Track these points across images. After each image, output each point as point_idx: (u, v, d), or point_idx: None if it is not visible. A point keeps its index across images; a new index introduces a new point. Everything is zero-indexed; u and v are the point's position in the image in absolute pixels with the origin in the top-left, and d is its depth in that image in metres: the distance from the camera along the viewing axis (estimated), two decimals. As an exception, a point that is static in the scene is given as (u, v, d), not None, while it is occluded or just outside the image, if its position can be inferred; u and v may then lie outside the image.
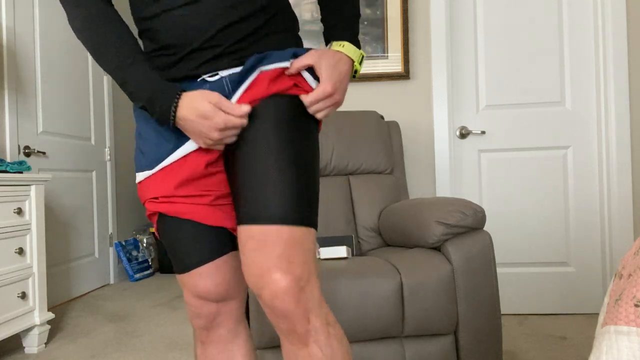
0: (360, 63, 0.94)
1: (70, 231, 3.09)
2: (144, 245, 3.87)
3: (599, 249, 2.43)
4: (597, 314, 2.42)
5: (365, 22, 2.46)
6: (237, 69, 0.87)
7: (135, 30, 3.68)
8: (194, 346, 0.91)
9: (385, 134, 2.19)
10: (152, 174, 0.91)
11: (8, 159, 2.53)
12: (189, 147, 0.89)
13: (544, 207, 2.47)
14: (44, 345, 2.18)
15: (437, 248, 1.60)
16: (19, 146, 2.63)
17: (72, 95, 3.14)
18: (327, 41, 0.98)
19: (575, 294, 2.44)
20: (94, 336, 2.32)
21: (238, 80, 0.87)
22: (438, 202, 1.66)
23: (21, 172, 2.10)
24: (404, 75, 2.46)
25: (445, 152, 2.45)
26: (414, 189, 2.49)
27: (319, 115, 0.90)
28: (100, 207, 3.44)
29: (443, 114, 2.45)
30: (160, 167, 0.90)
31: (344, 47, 0.92)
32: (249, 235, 0.81)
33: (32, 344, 2.13)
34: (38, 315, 2.12)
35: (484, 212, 1.59)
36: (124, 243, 3.65)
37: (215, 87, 0.87)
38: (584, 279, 2.44)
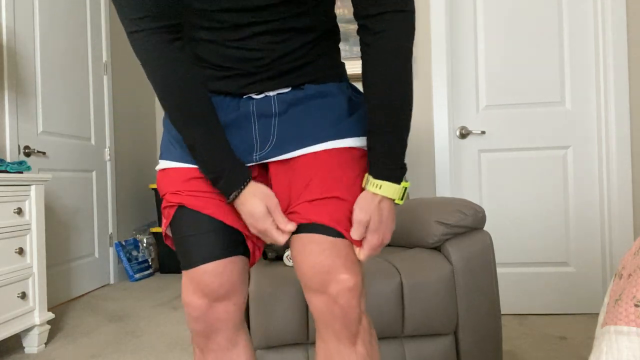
0: (403, 197, 0.86)
1: (70, 231, 3.09)
2: (144, 245, 3.87)
3: (599, 249, 2.43)
4: (597, 314, 2.42)
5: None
6: (285, 90, 0.90)
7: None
8: (193, 353, 0.91)
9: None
10: (180, 167, 0.93)
11: (8, 159, 2.53)
12: None
13: (544, 207, 2.47)
14: (44, 345, 2.18)
15: (437, 248, 1.60)
16: (19, 146, 2.63)
17: (72, 95, 3.14)
18: (367, 163, 0.88)
19: (575, 294, 2.44)
20: (94, 336, 2.32)
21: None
22: (438, 202, 1.67)
23: (21, 172, 2.10)
24: (404, 75, 2.46)
25: (445, 152, 2.45)
26: (414, 189, 2.49)
27: (361, 256, 0.89)
28: (100, 207, 3.44)
29: (443, 114, 2.45)
30: (191, 166, 0.92)
31: (382, 189, 0.83)
32: (311, 240, 0.85)
33: (32, 344, 2.13)
34: (38, 315, 2.12)
35: (484, 212, 1.59)
36: (124, 243, 3.65)
37: (263, 104, 0.90)
38: (584, 279, 2.44)
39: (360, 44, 0.84)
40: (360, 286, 0.86)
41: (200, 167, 0.87)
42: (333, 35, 0.96)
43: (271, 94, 0.90)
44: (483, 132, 2.47)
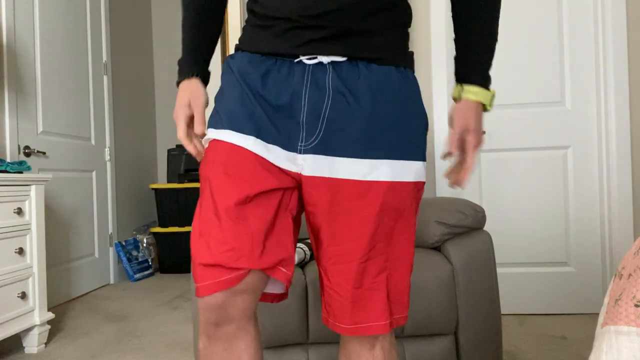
0: (491, 103, 0.92)
1: (70, 231, 3.09)
2: (144, 245, 3.87)
3: (599, 249, 2.43)
4: (597, 314, 2.42)
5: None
6: (340, 59, 0.82)
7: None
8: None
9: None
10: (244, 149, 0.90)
11: (8, 159, 2.53)
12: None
13: (544, 207, 2.46)
14: (44, 345, 2.18)
15: (437, 248, 1.60)
16: (19, 146, 2.63)
17: (72, 95, 3.14)
18: (458, 76, 0.94)
19: (575, 294, 2.44)
20: (94, 336, 2.32)
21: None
22: (438, 202, 1.67)
23: (21, 172, 2.10)
24: (404, 75, 2.46)
25: (445, 152, 2.45)
26: (414, 189, 2.49)
27: (461, 176, 0.91)
28: (100, 207, 3.45)
29: (443, 114, 2.45)
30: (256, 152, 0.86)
31: (479, 96, 0.89)
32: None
33: (32, 344, 2.13)
34: (38, 315, 2.12)
35: (484, 212, 1.59)
36: (124, 243, 3.65)
37: (316, 74, 0.82)
38: (584, 279, 2.44)
39: None
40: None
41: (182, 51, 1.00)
42: (405, 5, 0.88)
43: (324, 59, 0.81)
44: (483, 132, 2.47)
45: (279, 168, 0.84)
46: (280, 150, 0.84)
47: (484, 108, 0.91)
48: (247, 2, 0.93)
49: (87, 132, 3.32)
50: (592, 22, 2.42)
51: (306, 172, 0.83)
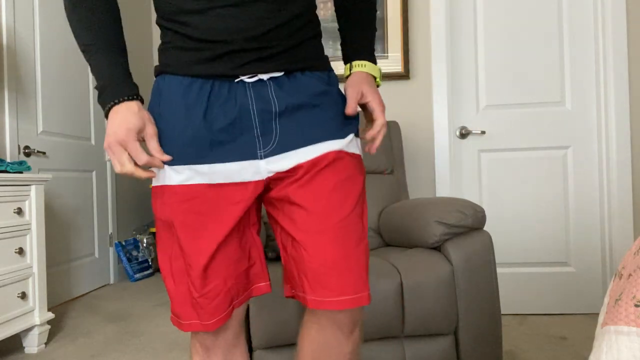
0: (380, 77, 1.01)
1: (70, 231, 3.09)
2: (144, 245, 3.87)
3: (599, 249, 2.43)
4: (597, 314, 2.42)
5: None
6: (278, 74, 0.88)
7: (144, 26, 3.68)
8: (191, 354, 0.90)
9: (385, 134, 2.19)
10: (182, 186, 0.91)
11: (8, 159, 2.53)
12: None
13: (544, 207, 2.46)
14: (44, 345, 2.18)
15: (437, 248, 1.60)
16: (19, 146, 2.63)
17: (72, 95, 3.14)
18: (347, 58, 1.03)
19: (575, 294, 2.44)
20: (94, 336, 2.32)
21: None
22: (438, 202, 1.66)
23: (21, 172, 2.10)
24: (404, 75, 2.46)
25: (445, 152, 2.45)
26: (414, 189, 2.49)
27: (385, 130, 0.98)
28: (100, 207, 3.44)
29: (443, 114, 2.45)
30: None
31: (366, 67, 0.98)
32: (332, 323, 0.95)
33: (32, 344, 2.13)
34: (38, 315, 2.12)
35: (483, 212, 1.59)
36: (124, 243, 3.65)
37: (258, 89, 0.86)
38: (584, 279, 2.44)
39: None
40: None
41: (93, 71, 0.86)
42: (317, 20, 0.97)
43: (264, 77, 0.87)
44: (483, 132, 2.47)
45: (237, 184, 0.87)
46: (238, 165, 0.86)
47: (376, 83, 1.00)
48: (164, 22, 0.89)
49: (87, 132, 3.32)
50: (592, 22, 2.42)
51: (272, 169, 0.87)
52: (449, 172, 2.45)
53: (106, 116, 0.85)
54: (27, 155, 2.67)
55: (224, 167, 0.86)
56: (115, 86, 0.84)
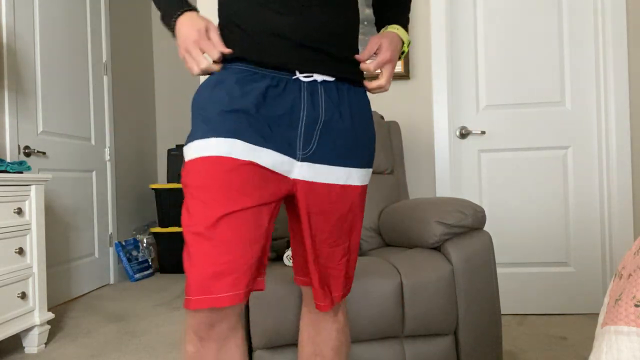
0: (408, 47, 1.10)
1: (70, 231, 3.09)
2: (144, 245, 3.87)
3: (599, 249, 2.43)
4: (597, 314, 2.42)
5: (365, 22, 2.46)
6: (329, 78, 0.96)
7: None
8: (184, 343, 0.89)
9: (385, 134, 2.19)
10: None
11: (8, 159, 2.53)
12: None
13: (544, 207, 2.46)
14: (44, 345, 2.18)
15: (437, 248, 1.60)
16: (19, 146, 2.63)
17: (72, 95, 3.14)
18: (382, 25, 1.12)
19: (575, 294, 2.44)
20: (94, 336, 2.32)
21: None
22: (438, 202, 1.66)
23: (21, 172, 2.10)
24: (404, 75, 2.46)
25: (445, 152, 2.45)
26: (414, 189, 2.49)
27: (383, 81, 1.04)
28: (100, 207, 3.44)
29: (443, 114, 2.45)
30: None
31: (399, 30, 1.07)
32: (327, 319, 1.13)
33: (32, 344, 2.13)
34: (38, 315, 2.12)
35: (483, 212, 1.59)
36: (124, 243, 3.65)
37: (311, 91, 0.94)
38: (584, 279, 2.44)
39: None
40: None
41: (155, 3, 0.97)
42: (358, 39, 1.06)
43: (319, 78, 0.94)
44: (483, 132, 2.47)
45: (276, 175, 0.92)
46: (280, 156, 0.92)
47: (402, 48, 1.08)
48: (228, 16, 0.97)
49: (87, 132, 3.32)
50: (592, 22, 2.42)
51: (305, 177, 0.95)
52: (449, 172, 2.45)
53: (172, 30, 0.94)
54: (27, 155, 2.67)
55: (268, 153, 0.90)
56: (176, 3, 0.95)
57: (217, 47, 0.91)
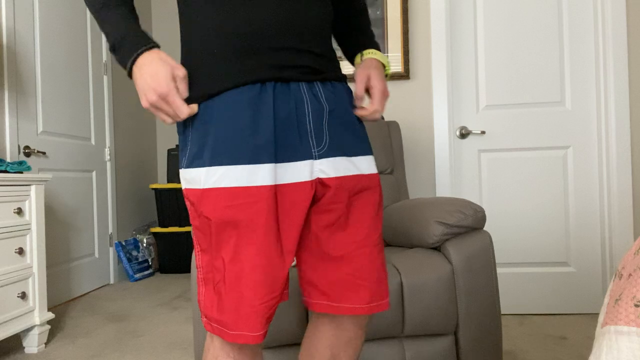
0: (388, 65, 1.09)
1: (70, 231, 3.09)
2: (144, 245, 3.87)
3: (599, 249, 2.43)
4: (597, 314, 2.42)
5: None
6: (326, 84, 0.94)
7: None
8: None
9: (385, 134, 2.19)
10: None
11: (8, 159, 2.53)
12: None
13: (544, 207, 2.47)
14: (44, 345, 2.18)
15: (437, 248, 1.60)
16: (19, 146, 2.63)
17: (72, 95, 3.14)
18: (354, 54, 1.10)
19: (575, 294, 2.44)
20: (94, 336, 2.32)
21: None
22: (438, 202, 1.66)
23: (21, 172, 2.10)
24: (404, 75, 2.46)
25: (445, 152, 2.45)
26: (414, 189, 2.49)
27: (378, 106, 1.01)
28: (100, 207, 3.45)
29: (443, 114, 2.45)
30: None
31: (376, 55, 1.06)
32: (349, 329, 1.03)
33: (32, 344, 2.13)
34: (38, 315, 2.12)
35: (484, 212, 1.59)
36: (124, 243, 3.65)
37: (309, 87, 0.90)
38: (584, 279, 2.44)
39: None
40: None
41: (105, 30, 0.85)
42: None
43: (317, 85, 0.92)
44: (483, 132, 2.47)
45: (298, 184, 0.87)
46: (299, 164, 0.87)
47: (385, 71, 1.06)
48: (221, 27, 0.86)
49: (87, 132, 3.32)
50: (592, 22, 2.42)
51: (327, 174, 0.90)
52: (449, 172, 2.45)
53: (129, 71, 0.83)
54: (27, 155, 2.67)
55: (287, 167, 0.86)
56: (134, 37, 0.83)
57: (184, 109, 0.83)
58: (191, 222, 0.90)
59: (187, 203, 0.89)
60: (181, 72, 0.83)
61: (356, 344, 1.01)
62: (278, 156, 0.85)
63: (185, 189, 0.89)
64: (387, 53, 2.48)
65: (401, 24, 2.46)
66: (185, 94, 0.85)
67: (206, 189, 0.84)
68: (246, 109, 0.84)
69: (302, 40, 0.88)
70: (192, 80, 0.88)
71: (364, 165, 0.95)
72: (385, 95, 1.00)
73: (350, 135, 0.94)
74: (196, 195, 0.85)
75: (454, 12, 2.50)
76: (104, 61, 3.53)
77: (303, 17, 0.88)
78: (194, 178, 0.86)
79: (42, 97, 2.84)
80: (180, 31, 0.92)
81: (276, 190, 0.85)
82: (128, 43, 0.83)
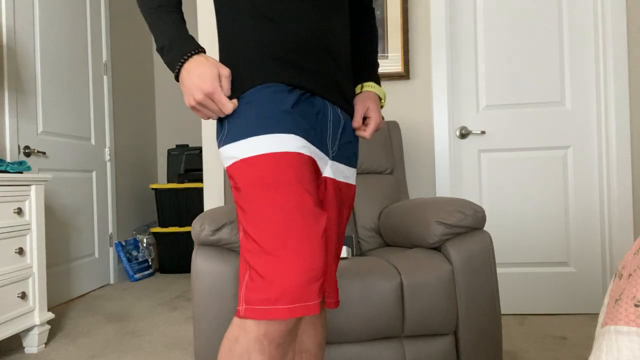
0: (384, 99, 1.19)
1: (70, 231, 3.09)
2: (144, 245, 3.87)
3: (599, 249, 2.43)
4: (597, 314, 2.42)
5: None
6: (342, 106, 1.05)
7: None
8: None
9: (385, 134, 2.19)
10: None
11: (8, 159, 2.53)
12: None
13: (544, 207, 2.46)
14: (44, 345, 2.18)
15: (437, 248, 1.60)
16: (19, 146, 2.63)
17: (72, 95, 3.14)
18: (355, 83, 1.19)
19: (575, 294, 2.44)
20: (94, 336, 2.32)
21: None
22: (438, 202, 1.66)
23: (21, 172, 2.10)
24: (404, 75, 2.46)
25: (445, 152, 2.45)
26: (414, 189, 2.49)
27: (367, 134, 1.12)
28: (100, 207, 3.45)
29: (443, 114, 2.45)
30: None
31: (374, 88, 1.16)
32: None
33: (32, 344, 2.13)
34: (38, 315, 2.12)
35: (484, 212, 1.59)
36: (124, 243, 3.65)
37: (334, 113, 1.02)
38: (584, 279, 2.44)
39: (354, 20, 1.21)
40: None
41: (155, 32, 0.91)
42: None
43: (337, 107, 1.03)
44: (483, 132, 2.47)
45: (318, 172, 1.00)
46: (322, 154, 0.99)
47: (381, 103, 1.17)
48: (260, 39, 0.93)
49: (87, 132, 3.32)
50: (592, 22, 2.42)
51: (334, 176, 1.02)
52: (449, 172, 2.45)
53: (177, 74, 0.89)
54: (27, 155, 2.67)
55: (317, 151, 0.97)
56: (184, 42, 0.89)
57: (229, 105, 0.89)
58: (235, 202, 0.91)
59: (231, 183, 0.91)
60: (226, 71, 0.90)
61: (318, 326, 1.13)
62: (308, 139, 0.95)
63: (228, 166, 0.92)
64: (387, 53, 2.48)
65: (401, 24, 2.46)
66: (229, 91, 0.91)
67: (246, 158, 0.88)
68: (279, 92, 0.92)
69: (336, 64, 1.00)
70: (233, 80, 0.95)
71: (353, 176, 1.10)
72: (378, 127, 1.13)
73: (352, 147, 1.08)
74: (237, 168, 0.89)
75: (454, 12, 2.50)
76: (104, 61, 3.53)
77: (336, 41, 1.00)
78: (236, 151, 0.90)
79: (42, 97, 2.84)
80: (219, 41, 0.98)
81: (313, 162, 0.95)
82: (177, 47, 0.89)
